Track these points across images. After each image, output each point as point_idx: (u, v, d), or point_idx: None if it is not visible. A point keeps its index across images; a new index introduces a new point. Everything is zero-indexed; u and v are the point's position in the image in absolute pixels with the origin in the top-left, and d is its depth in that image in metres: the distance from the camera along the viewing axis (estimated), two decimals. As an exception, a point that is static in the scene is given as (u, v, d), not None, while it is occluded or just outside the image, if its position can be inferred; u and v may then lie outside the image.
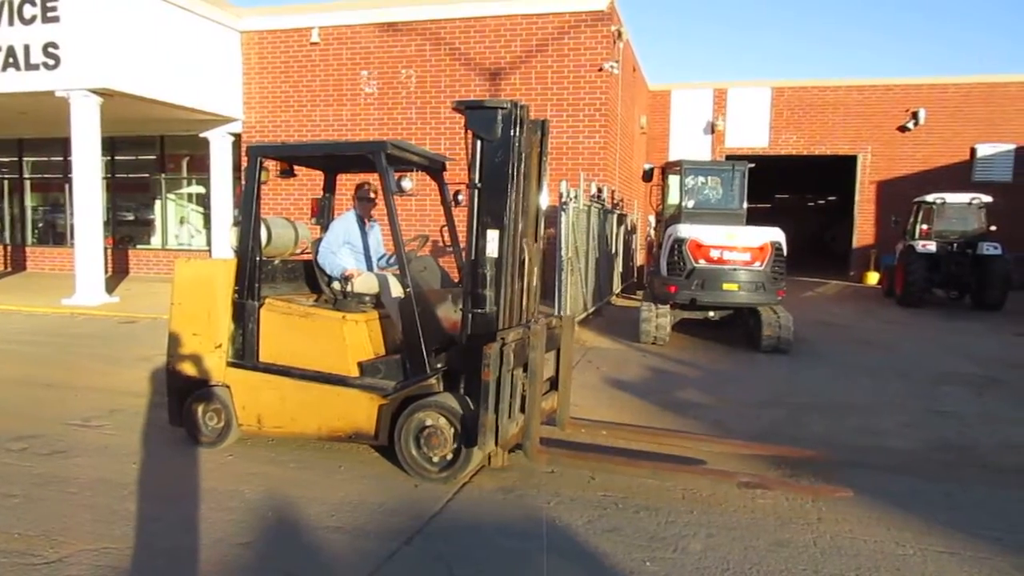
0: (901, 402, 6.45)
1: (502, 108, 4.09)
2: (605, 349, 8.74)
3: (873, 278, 18.88)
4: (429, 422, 4.12)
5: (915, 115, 19.10)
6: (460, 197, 4.78)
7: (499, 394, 3.94)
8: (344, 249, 5.11)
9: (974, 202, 14.21)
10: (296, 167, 5.09)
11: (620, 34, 13.63)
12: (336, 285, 4.98)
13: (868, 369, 7.85)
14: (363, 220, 5.31)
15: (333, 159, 5.32)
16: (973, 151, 19.11)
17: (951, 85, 19.26)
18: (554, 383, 4.73)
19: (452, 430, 4.08)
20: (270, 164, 4.84)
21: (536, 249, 4.59)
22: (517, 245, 4.26)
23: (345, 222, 5.20)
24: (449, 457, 4.11)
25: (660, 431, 5.13)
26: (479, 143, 4.14)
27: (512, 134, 4.10)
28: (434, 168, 5.30)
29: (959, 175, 18.72)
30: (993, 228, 13.95)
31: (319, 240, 5.20)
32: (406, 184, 4.40)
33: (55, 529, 3.51)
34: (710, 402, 6.28)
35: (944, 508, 3.96)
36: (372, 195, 5.28)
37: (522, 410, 4.25)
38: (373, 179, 4.96)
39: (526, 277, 4.48)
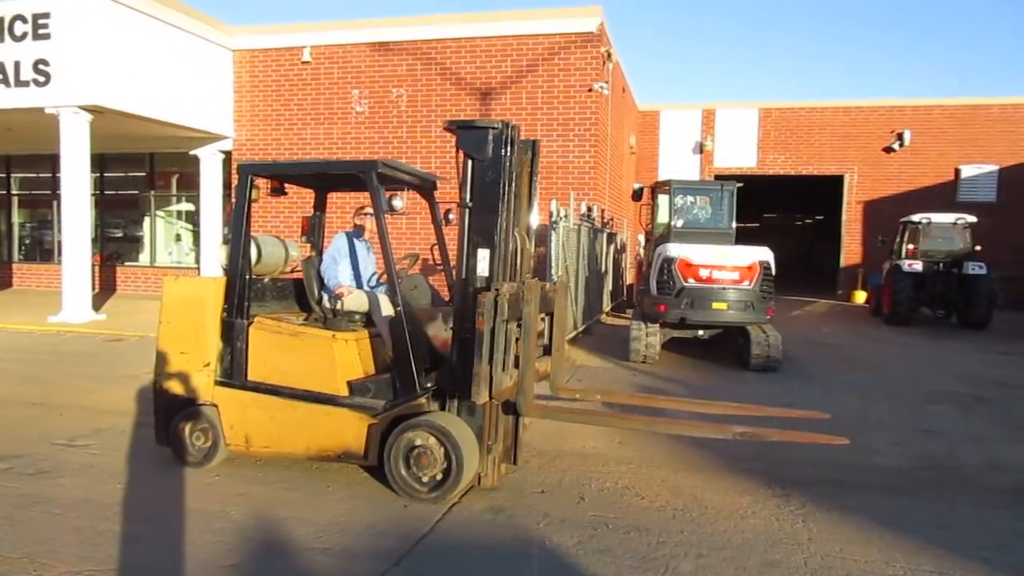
0: (889, 421, 6.47)
1: (493, 128, 4.12)
2: (595, 367, 8.74)
3: (861, 297, 19.02)
4: (419, 442, 4.10)
5: (900, 136, 19.35)
6: (451, 216, 4.79)
7: (493, 345, 3.93)
8: (346, 261, 5.13)
9: (959, 222, 14.40)
10: (287, 185, 5.10)
11: (609, 55, 13.78)
12: (326, 303, 4.96)
13: (856, 388, 7.88)
14: (359, 238, 5.33)
15: (324, 178, 5.33)
16: (958, 172, 19.36)
17: (935, 107, 19.56)
18: (548, 349, 4.70)
19: (442, 450, 4.06)
20: (261, 182, 4.84)
21: (527, 267, 4.59)
22: (508, 264, 4.27)
23: (341, 240, 5.23)
24: (439, 477, 4.09)
25: (656, 397, 5.10)
26: (470, 163, 4.17)
27: (503, 154, 4.13)
28: (425, 187, 5.31)
29: (944, 195, 18.96)
30: (978, 248, 14.12)
31: (309, 258, 5.19)
32: (397, 203, 4.41)
33: (39, 551, 3.46)
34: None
35: (933, 528, 3.97)
36: (366, 215, 5.29)
37: (516, 366, 4.23)
38: (361, 197, 4.97)
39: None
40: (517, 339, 4.23)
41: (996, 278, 13.68)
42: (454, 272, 4.46)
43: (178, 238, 17.60)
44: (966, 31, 63.21)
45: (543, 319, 4.49)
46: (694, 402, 4.96)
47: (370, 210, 5.19)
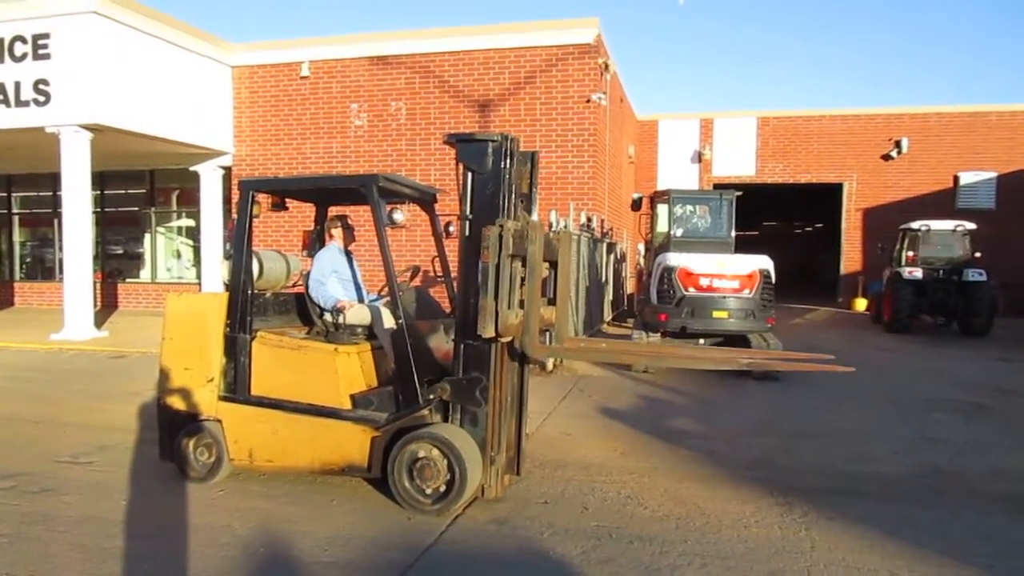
0: (891, 429, 6.48)
1: (492, 141, 4.16)
2: (596, 377, 8.75)
3: (861, 304, 19.03)
4: (422, 454, 4.11)
5: (898, 144, 19.43)
6: (451, 228, 4.81)
7: (499, 279, 3.95)
8: (332, 278, 5.11)
9: (958, 229, 14.42)
10: (287, 200, 5.13)
11: (607, 66, 13.87)
12: (328, 317, 4.98)
13: (858, 396, 7.89)
14: (346, 251, 5.33)
15: (325, 192, 5.37)
16: (956, 179, 19.43)
17: (933, 114, 19.65)
18: (552, 300, 4.68)
19: (445, 461, 4.07)
20: (262, 198, 4.87)
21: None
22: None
23: (329, 253, 5.20)
24: (442, 489, 4.10)
25: (662, 347, 5.06)
26: (470, 175, 4.20)
27: (502, 166, 4.16)
28: (425, 200, 5.35)
29: (943, 203, 19.00)
30: (978, 255, 14.14)
31: (309, 273, 5.21)
32: (398, 216, 4.44)
33: (43, 570, 3.46)
34: (702, 431, 6.28)
35: (935, 535, 3.97)
36: (346, 226, 5.30)
37: (521, 306, 4.22)
38: (362, 211, 4.99)
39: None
40: (523, 279, 4.22)
41: (996, 285, 13.71)
42: (455, 284, 4.48)
43: (179, 254, 17.65)
44: (963, 39, 63.53)
45: (548, 268, 4.51)
46: (698, 347, 4.94)
47: (350, 219, 5.21)
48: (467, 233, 4.21)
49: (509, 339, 4.22)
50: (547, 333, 4.69)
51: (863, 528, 4.03)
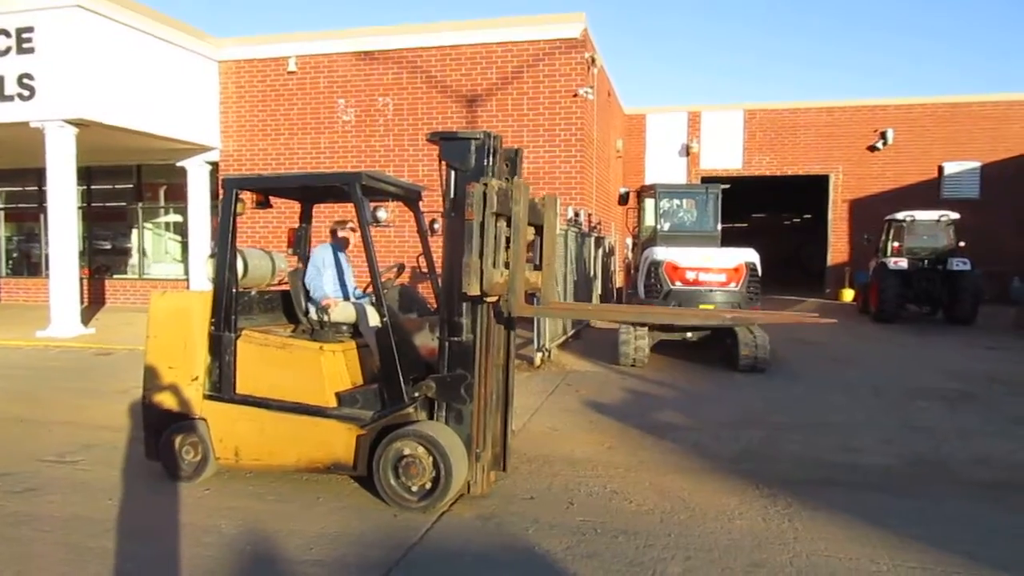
0: (876, 418, 6.54)
1: (475, 139, 4.16)
2: (584, 372, 8.78)
3: (848, 295, 19.16)
4: (407, 451, 4.12)
5: (883, 135, 19.54)
6: (436, 226, 4.81)
7: (483, 237, 3.96)
8: (329, 271, 5.15)
9: (943, 219, 14.55)
10: (272, 198, 5.11)
11: (593, 60, 13.86)
12: (313, 315, 4.98)
13: (844, 386, 7.96)
14: (341, 251, 5.35)
15: (309, 190, 5.35)
16: (941, 169, 19.56)
17: (917, 105, 19.75)
18: (538, 266, 4.66)
19: (430, 459, 4.08)
20: (246, 196, 4.85)
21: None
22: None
23: (324, 251, 5.25)
24: (428, 486, 4.11)
25: (645, 307, 5.05)
26: (453, 173, 4.20)
27: (485, 164, 4.16)
28: (410, 197, 5.34)
29: (928, 193, 19.14)
30: (962, 244, 14.27)
31: (295, 270, 5.21)
32: (382, 214, 4.44)
33: (28, 569, 3.46)
34: (689, 423, 6.32)
35: (918, 523, 4.02)
36: (351, 230, 5.31)
37: (507, 267, 4.23)
38: (350, 209, 4.99)
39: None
40: (508, 239, 4.21)
41: (980, 274, 13.85)
42: (440, 281, 4.49)
43: (166, 250, 17.55)
44: (948, 30, 63.82)
45: (533, 234, 4.50)
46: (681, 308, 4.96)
47: (353, 224, 5.22)
48: (451, 230, 4.21)
49: (495, 299, 4.22)
50: (533, 297, 4.68)
51: (846, 518, 4.07)
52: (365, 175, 4.50)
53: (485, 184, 3.99)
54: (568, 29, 13.12)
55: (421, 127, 13.64)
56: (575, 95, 13.14)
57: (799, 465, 5.14)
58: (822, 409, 6.93)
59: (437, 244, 4.64)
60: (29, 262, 18.32)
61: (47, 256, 13.54)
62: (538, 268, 4.58)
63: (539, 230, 4.56)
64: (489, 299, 4.17)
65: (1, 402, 7.12)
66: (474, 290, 3.96)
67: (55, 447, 5.49)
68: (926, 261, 14.03)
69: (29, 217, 18.21)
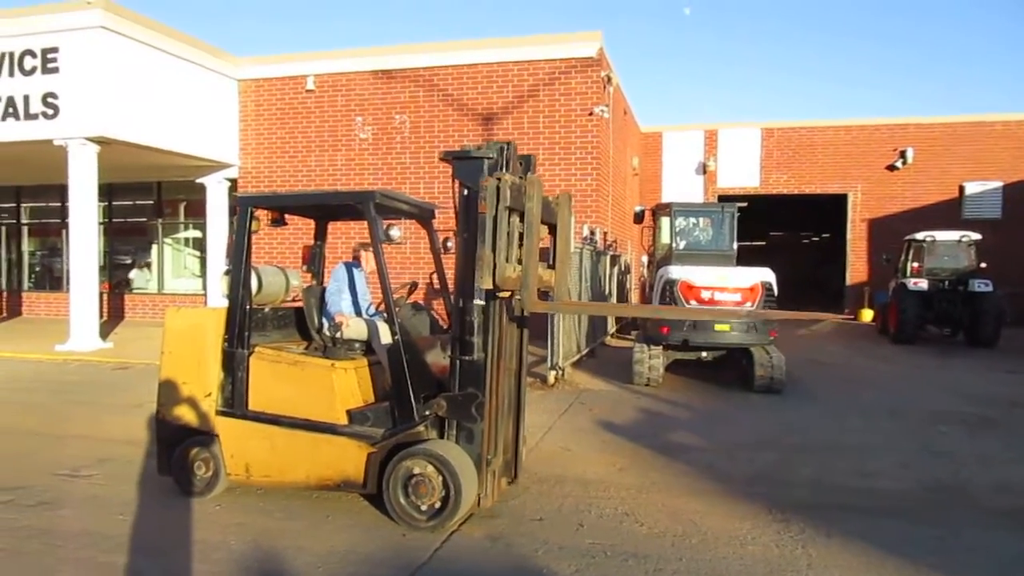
0: (895, 442, 6.43)
1: (488, 158, 4.17)
2: (598, 391, 8.73)
3: (868, 315, 18.93)
4: (417, 470, 4.11)
5: (903, 154, 19.37)
6: (449, 244, 4.82)
7: (496, 231, 3.95)
8: (347, 291, 5.19)
9: (964, 239, 14.35)
10: (287, 216, 5.16)
11: (609, 79, 13.91)
12: (327, 332, 5.00)
13: (861, 408, 7.84)
14: (357, 268, 5.39)
15: (323, 208, 5.40)
16: (962, 189, 19.35)
17: (937, 125, 19.59)
18: (551, 264, 4.64)
19: (440, 478, 4.07)
20: (261, 214, 4.90)
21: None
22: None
23: (344, 269, 5.31)
24: (437, 505, 4.09)
25: (660, 307, 4.95)
26: (466, 191, 4.21)
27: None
28: (423, 216, 5.36)
29: (949, 213, 18.92)
30: (984, 265, 14.06)
31: (309, 287, 5.25)
32: (394, 233, 4.45)
33: (38, 584, 3.47)
34: (703, 445, 6.26)
35: (936, 552, 3.93)
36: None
37: (520, 263, 4.21)
38: (362, 226, 5.03)
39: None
40: (521, 235, 4.21)
41: (1002, 295, 13.62)
42: (452, 299, 4.49)
43: (185, 265, 17.74)
44: (968, 49, 63.43)
45: (547, 231, 4.48)
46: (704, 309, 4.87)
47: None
48: (464, 249, 4.21)
49: (507, 294, 4.21)
50: (547, 295, 4.67)
51: (862, 545, 3.99)
52: (379, 194, 4.53)
53: (499, 179, 4.01)
54: (584, 48, 13.19)
55: (438, 145, 13.72)
56: (591, 114, 13.18)
57: (814, 489, 5.06)
58: (838, 432, 6.83)
59: (450, 263, 4.65)
60: (51, 276, 18.60)
61: (68, 271, 13.73)
62: (551, 267, 4.59)
63: (552, 229, 4.57)
64: (502, 294, 4.17)
65: (18, 415, 7.20)
66: (486, 283, 3.97)
67: (70, 461, 5.52)
68: (947, 282, 13.82)
69: (52, 232, 18.50)
